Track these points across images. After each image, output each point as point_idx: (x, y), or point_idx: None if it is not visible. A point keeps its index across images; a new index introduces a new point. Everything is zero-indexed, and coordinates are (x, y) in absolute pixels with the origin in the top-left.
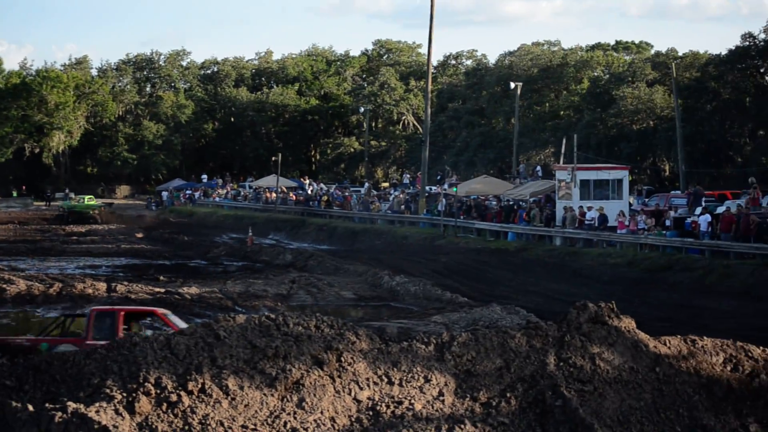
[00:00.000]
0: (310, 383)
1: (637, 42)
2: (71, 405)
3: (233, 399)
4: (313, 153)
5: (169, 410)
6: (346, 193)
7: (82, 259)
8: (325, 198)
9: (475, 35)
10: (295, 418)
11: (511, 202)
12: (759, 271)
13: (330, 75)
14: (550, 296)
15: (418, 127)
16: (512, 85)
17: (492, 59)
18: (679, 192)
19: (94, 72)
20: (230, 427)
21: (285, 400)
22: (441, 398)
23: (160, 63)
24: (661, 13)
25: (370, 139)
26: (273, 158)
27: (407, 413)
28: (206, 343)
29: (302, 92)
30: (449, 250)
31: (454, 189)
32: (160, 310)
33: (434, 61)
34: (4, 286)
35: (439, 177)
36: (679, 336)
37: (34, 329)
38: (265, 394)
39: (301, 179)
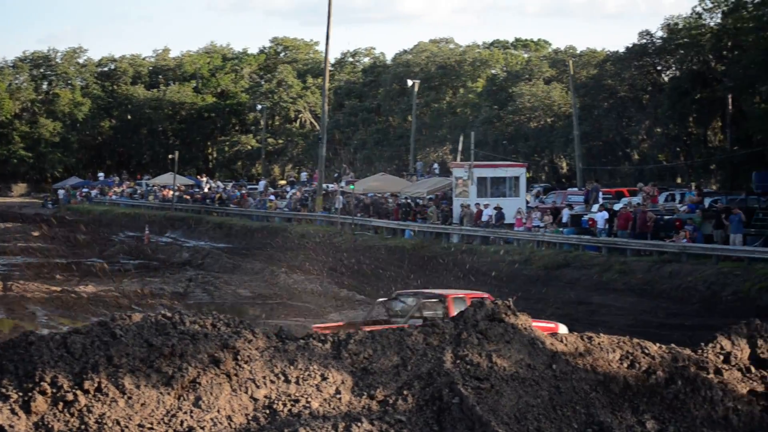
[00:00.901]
0: (207, 382)
1: (535, 40)
2: None
3: (129, 398)
4: (210, 151)
5: (66, 409)
6: (243, 191)
7: None
8: (218, 196)
9: (374, 33)
10: (191, 416)
11: (408, 200)
12: (655, 268)
13: (227, 72)
14: None
15: (316, 124)
16: (409, 82)
17: (390, 57)
18: (576, 189)
19: None
20: (127, 426)
21: (182, 398)
22: (338, 396)
23: (57, 60)
24: (558, 11)
25: (267, 136)
26: (170, 156)
27: (304, 411)
28: (102, 341)
29: (199, 90)
30: (346, 248)
31: (351, 186)
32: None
33: (332, 59)
34: None
35: (336, 174)
36: (575, 333)
37: None
38: (161, 393)
39: (198, 177)
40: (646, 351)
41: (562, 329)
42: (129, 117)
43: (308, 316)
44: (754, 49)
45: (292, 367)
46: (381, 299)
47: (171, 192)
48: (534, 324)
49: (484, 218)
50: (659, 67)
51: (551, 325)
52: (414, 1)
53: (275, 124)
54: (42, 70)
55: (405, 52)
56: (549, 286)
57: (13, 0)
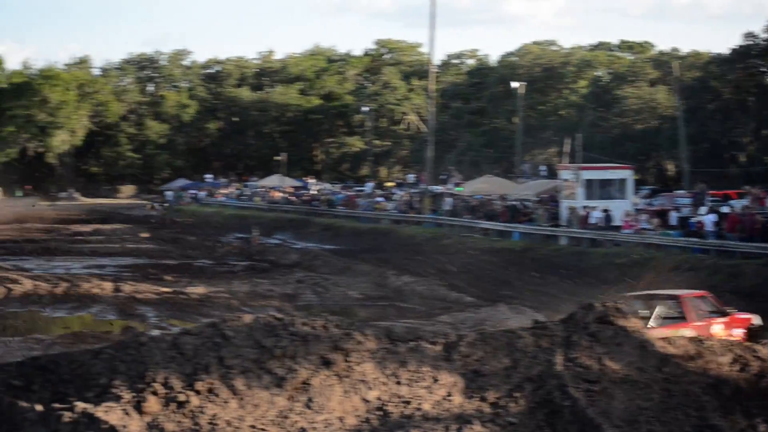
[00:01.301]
0: (318, 383)
1: (639, 42)
2: (80, 405)
3: (241, 399)
4: (316, 152)
5: (178, 410)
6: (350, 193)
7: (88, 259)
8: (324, 198)
9: (477, 34)
10: (303, 418)
11: (515, 202)
12: (766, 271)
13: (332, 74)
14: (556, 296)
15: (421, 126)
16: (515, 84)
17: (494, 59)
18: (683, 191)
19: (96, 71)
20: (239, 427)
21: (293, 399)
22: (449, 398)
23: (163, 62)
24: (661, 13)
25: (373, 138)
26: (277, 158)
27: (416, 413)
28: (213, 343)
29: (304, 92)
30: (455, 250)
31: (459, 188)
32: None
33: (436, 61)
34: (10, 285)
35: (443, 176)
36: (686, 336)
37: (41, 329)
38: (273, 394)
39: (305, 179)
40: (757, 354)
41: (756, 320)
42: (235, 119)
43: (418, 318)
44: None
45: (403, 369)
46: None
47: (279, 194)
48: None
49: (592, 220)
50: (763, 69)
51: (747, 316)
52: (518, 2)
53: (381, 126)
54: (148, 72)
55: (510, 54)
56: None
57: (119, 2)
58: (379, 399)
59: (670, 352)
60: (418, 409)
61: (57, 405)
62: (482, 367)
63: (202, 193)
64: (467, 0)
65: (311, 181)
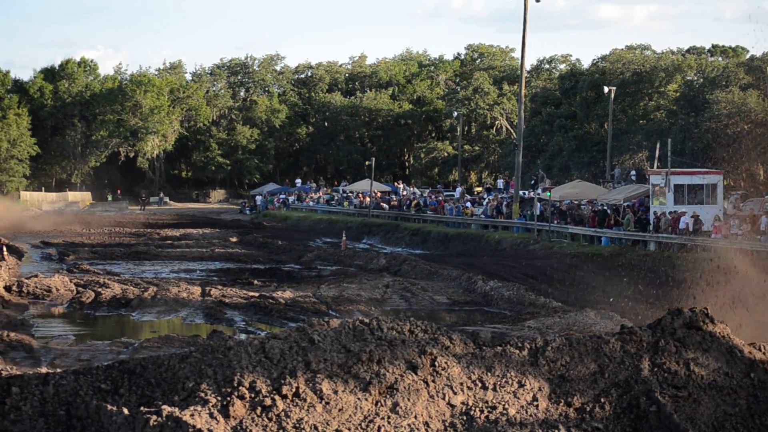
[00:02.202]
0: (404, 387)
1: (732, 46)
2: (166, 408)
3: (327, 403)
4: (406, 157)
5: (264, 414)
6: (440, 198)
7: (177, 263)
8: (414, 202)
9: (570, 39)
10: (389, 422)
11: (605, 207)
12: None
13: (423, 79)
14: (644, 301)
15: (512, 131)
16: (606, 89)
17: (585, 63)
18: None
19: (188, 77)
20: (324, 431)
21: (379, 404)
22: (535, 403)
23: (254, 67)
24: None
25: (463, 143)
26: (367, 162)
27: (501, 418)
28: (300, 347)
29: (395, 96)
30: (543, 255)
31: (548, 194)
32: None
33: (528, 66)
34: (100, 289)
35: (533, 181)
36: None
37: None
38: (359, 399)
39: (395, 184)
40: None
41: None
42: (326, 124)
43: (505, 322)
44: None
45: (489, 374)
46: None
47: (368, 198)
48: None
49: (681, 226)
50: None
51: None
52: (610, 7)
53: (471, 131)
54: (239, 77)
55: (601, 58)
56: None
57: (212, 8)
58: (464, 404)
59: (758, 357)
60: (504, 414)
61: (144, 408)
62: (568, 372)
63: (292, 198)
64: (560, 5)
65: (401, 185)
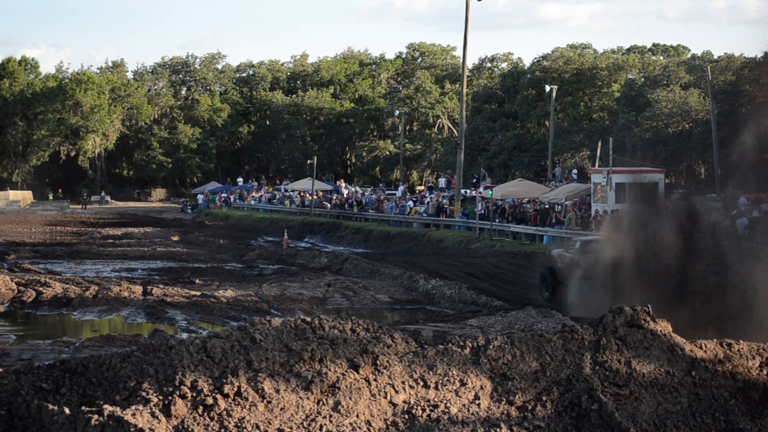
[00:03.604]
0: (346, 386)
1: (674, 45)
2: (107, 408)
3: (269, 402)
4: (348, 156)
5: (206, 413)
6: (381, 197)
7: (118, 262)
8: (356, 202)
9: (513, 38)
10: (331, 421)
11: (546, 206)
12: None
13: (364, 78)
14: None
15: (454, 130)
16: (547, 88)
17: (528, 62)
18: (714, 195)
19: (130, 75)
20: (266, 431)
21: (321, 403)
22: (477, 402)
23: (196, 66)
24: (698, 16)
25: (405, 142)
26: (309, 161)
27: (443, 417)
28: (242, 346)
29: (337, 95)
30: (485, 254)
31: (490, 192)
32: None
33: (469, 64)
34: (41, 289)
35: (475, 180)
36: (714, 339)
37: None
38: (301, 398)
39: (337, 182)
40: None
41: None
42: (267, 122)
43: (447, 321)
44: None
45: (431, 373)
46: None
47: (310, 197)
48: None
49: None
50: None
51: None
52: (553, 7)
53: (413, 130)
54: (181, 76)
55: (542, 57)
56: None
57: (153, 6)
58: (406, 402)
59: (699, 356)
60: (446, 413)
61: (85, 408)
62: (510, 370)
63: (234, 197)
64: (503, 4)
65: (342, 184)
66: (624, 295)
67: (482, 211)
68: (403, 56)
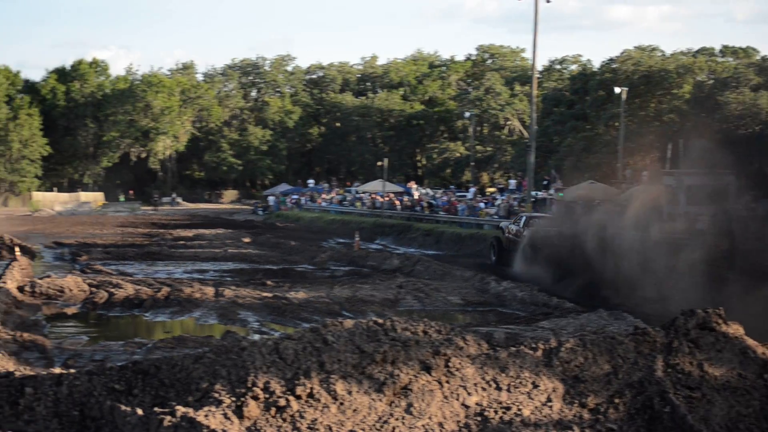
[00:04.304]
0: (419, 388)
1: (743, 47)
2: (180, 409)
3: (342, 404)
4: (419, 158)
5: (278, 415)
6: (452, 198)
7: (190, 264)
8: (427, 204)
9: (582, 40)
10: (403, 423)
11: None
12: None
13: (434, 80)
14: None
15: (524, 131)
16: (617, 90)
17: (597, 64)
18: None
19: (199, 77)
20: None
21: (393, 405)
22: (549, 404)
23: (266, 68)
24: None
25: (475, 144)
26: (379, 163)
27: (515, 419)
28: (314, 347)
29: (407, 97)
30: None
31: (560, 194)
32: None
33: (539, 66)
34: (113, 290)
35: (545, 182)
36: None
37: (142, 334)
38: (373, 399)
39: (408, 184)
40: None
41: None
42: (338, 124)
43: (518, 323)
44: None
45: (503, 375)
46: None
47: (381, 199)
48: None
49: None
50: None
51: None
52: (623, 8)
53: (483, 132)
54: (251, 78)
55: (611, 59)
56: None
57: (224, 8)
58: (478, 404)
59: None
60: (518, 415)
61: (157, 409)
62: (582, 372)
63: (304, 198)
64: (572, 5)
65: (413, 186)
66: (551, 264)
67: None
68: (473, 58)
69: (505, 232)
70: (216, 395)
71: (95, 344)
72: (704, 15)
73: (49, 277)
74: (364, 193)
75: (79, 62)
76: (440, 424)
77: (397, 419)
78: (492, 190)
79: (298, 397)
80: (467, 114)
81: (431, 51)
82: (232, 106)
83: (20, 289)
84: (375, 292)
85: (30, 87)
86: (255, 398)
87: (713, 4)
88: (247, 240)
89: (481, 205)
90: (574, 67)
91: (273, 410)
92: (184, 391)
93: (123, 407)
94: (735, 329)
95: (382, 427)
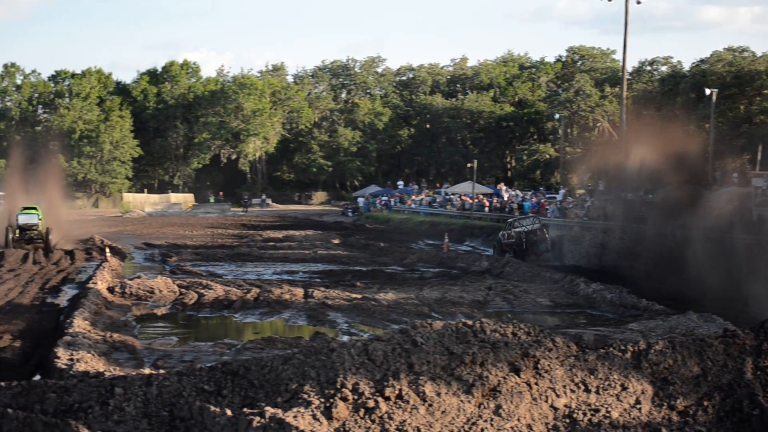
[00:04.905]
0: (507, 390)
1: None
2: (269, 410)
3: (430, 405)
4: (508, 159)
5: (367, 416)
6: (542, 200)
7: (279, 265)
8: (516, 206)
9: (672, 41)
10: (492, 425)
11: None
12: None
13: (524, 81)
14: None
15: (614, 133)
16: (707, 91)
17: (687, 65)
18: None
19: (290, 79)
20: None
21: (482, 406)
22: (638, 406)
23: (356, 70)
24: None
25: (565, 145)
26: (469, 164)
27: (604, 421)
28: (403, 349)
29: (497, 99)
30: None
31: (650, 196)
32: None
33: (629, 68)
34: (202, 291)
35: (635, 184)
36: None
37: (231, 334)
38: (462, 401)
39: (497, 186)
40: None
41: None
42: (427, 126)
43: (607, 325)
44: None
45: (592, 377)
46: None
47: (470, 200)
48: None
49: None
50: None
51: None
52: (714, 10)
53: (573, 133)
54: (341, 80)
55: (701, 60)
56: None
57: (314, 10)
58: (567, 406)
59: None
60: (607, 417)
61: (247, 410)
62: (671, 375)
63: (394, 200)
64: (663, 7)
65: (502, 187)
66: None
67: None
68: (563, 59)
69: (504, 234)
70: (305, 396)
71: (185, 345)
72: None
73: (139, 278)
74: (453, 194)
75: (171, 64)
76: (529, 426)
77: (485, 421)
78: (581, 191)
79: (387, 399)
80: (557, 115)
81: (521, 52)
82: (322, 108)
83: (110, 289)
84: (464, 293)
85: (121, 89)
86: (344, 399)
87: None
88: (336, 241)
89: (570, 206)
90: (664, 68)
91: (362, 411)
92: (273, 392)
93: (212, 408)
94: None
95: (470, 428)
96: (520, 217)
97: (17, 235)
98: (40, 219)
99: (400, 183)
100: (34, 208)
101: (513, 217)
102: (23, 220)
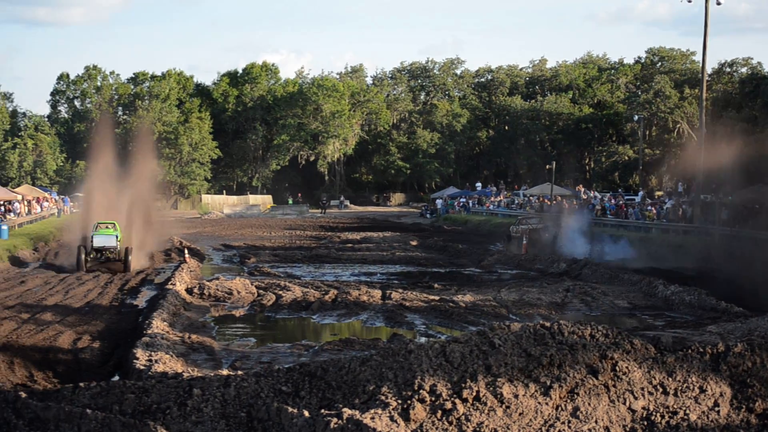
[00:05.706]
0: (585, 392)
1: None
2: (347, 411)
3: (508, 407)
4: (587, 161)
5: (444, 418)
6: (620, 202)
7: (357, 266)
8: (598, 207)
9: (754, 42)
10: (569, 427)
11: None
12: None
13: (603, 83)
14: None
15: (693, 135)
16: None
17: (767, 67)
18: None
19: (369, 80)
20: None
21: (559, 408)
22: (716, 409)
23: (435, 71)
24: None
25: (644, 147)
26: (547, 166)
27: (682, 423)
28: (481, 351)
29: (575, 100)
30: (724, 259)
31: (729, 198)
32: None
33: (709, 69)
34: (281, 292)
35: (714, 186)
36: None
37: (309, 336)
38: (539, 403)
39: (576, 188)
40: None
41: None
42: (506, 127)
43: (686, 327)
44: None
45: (670, 379)
46: None
47: (549, 202)
48: None
49: None
50: None
51: None
52: None
53: (652, 135)
54: (420, 81)
55: None
56: None
57: (394, 12)
58: (645, 409)
59: None
60: (685, 420)
61: (324, 411)
62: (750, 377)
63: (472, 201)
64: (744, 8)
65: (581, 189)
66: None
67: (724, 217)
68: (642, 61)
69: (512, 228)
70: (382, 398)
71: (263, 346)
72: None
73: (217, 279)
74: (532, 196)
75: (251, 66)
76: (606, 429)
77: (563, 423)
78: (660, 193)
79: (465, 400)
80: (636, 117)
81: (600, 54)
82: (401, 110)
83: (189, 291)
84: (542, 295)
85: (201, 90)
86: (421, 401)
87: None
88: (414, 243)
89: (650, 208)
90: (744, 70)
91: (439, 413)
92: (350, 394)
93: (290, 409)
94: None
95: (548, 430)
96: (528, 216)
97: (92, 257)
98: (119, 240)
99: (479, 185)
100: (112, 224)
101: (522, 215)
102: (99, 242)
